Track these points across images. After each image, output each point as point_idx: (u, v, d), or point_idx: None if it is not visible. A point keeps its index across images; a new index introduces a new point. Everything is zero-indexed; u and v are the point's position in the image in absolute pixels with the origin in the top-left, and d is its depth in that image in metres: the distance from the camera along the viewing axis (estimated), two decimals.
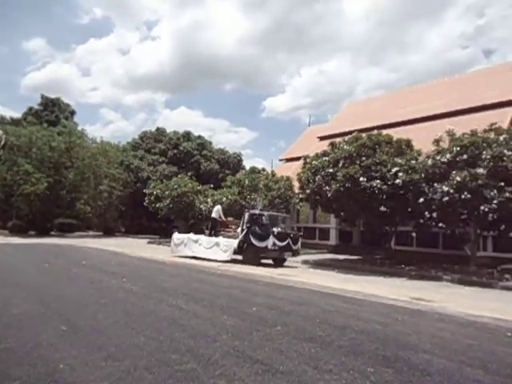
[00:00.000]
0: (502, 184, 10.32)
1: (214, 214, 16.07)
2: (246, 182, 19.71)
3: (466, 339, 4.70)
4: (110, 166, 31.57)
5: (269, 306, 6.15)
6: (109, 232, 34.11)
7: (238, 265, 12.91)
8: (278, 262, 13.97)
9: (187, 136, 40.03)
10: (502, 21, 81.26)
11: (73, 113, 43.82)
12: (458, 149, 11.42)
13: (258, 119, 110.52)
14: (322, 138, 24.96)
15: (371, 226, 15.38)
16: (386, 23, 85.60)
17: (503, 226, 11.11)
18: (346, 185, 12.75)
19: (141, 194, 28.41)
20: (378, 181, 12.44)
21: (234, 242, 13.83)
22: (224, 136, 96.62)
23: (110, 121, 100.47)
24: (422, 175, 11.96)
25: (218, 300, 6.45)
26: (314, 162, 14.53)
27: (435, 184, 11.46)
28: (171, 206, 23.86)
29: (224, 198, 19.69)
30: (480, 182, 10.39)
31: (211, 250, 14.15)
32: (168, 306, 5.90)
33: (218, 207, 16.48)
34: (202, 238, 15.03)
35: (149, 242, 25.14)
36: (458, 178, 10.64)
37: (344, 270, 12.68)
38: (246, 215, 14.00)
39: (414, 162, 12.52)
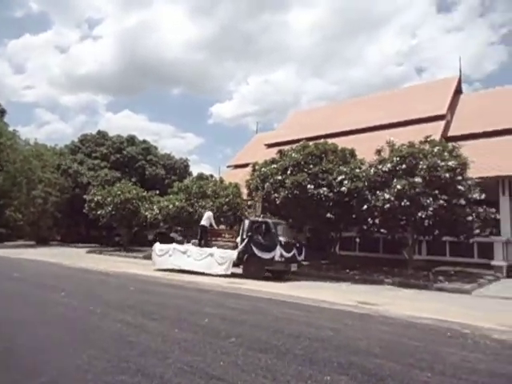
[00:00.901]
0: (437, 192, 11.11)
1: (203, 222, 14.18)
2: (194, 189, 19.36)
3: (412, 341, 4.92)
4: (45, 170, 29.43)
5: (221, 316, 6.01)
6: (42, 241, 31.67)
7: (186, 274, 12.58)
8: (280, 275, 12.54)
9: (131, 140, 38.56)
10: (431, 43, 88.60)
11: (3, 112, 40.32)
12: (398, 159, 12.12)
13: (205, 125, 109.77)
14: (269, 146, 25.31)
15: (317, 232, 15.79)
16: (328, 38, 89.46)
17: (437, 231, 11.97)
18: (295, 192, 13.01)
19: (80, 201, 26.75)
20: (325, 188, 12.84)
21: (233, 254, 12.45)
22: (170, 141, 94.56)
23: (46, 122, 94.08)
24: (366, 183, 12.52)
25: (167, 312, 6.18)
26: (262, 169, 14.67)
27: (377, 192, 12.04)
28: (113, 212, 22.75)
29: (171, 206, 19.16)
30: (417, 190, 11.09)
31: (204, 263, 12.65)
32: (113, 320, 5.53)
33: (209, 214, 14.58)
34: (191, 248, 13.47)
35: (88, 252, 23.74)
36: (399, 186, 11.28)
37: (292, 276, 12.85)
38: (247, 223, 12.74)
39: (357, 170, 13.07)
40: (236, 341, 4.61)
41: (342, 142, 15.92)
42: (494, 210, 12.46)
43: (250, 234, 12.33)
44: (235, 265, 12.40)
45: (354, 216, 12.88)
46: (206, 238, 13.98)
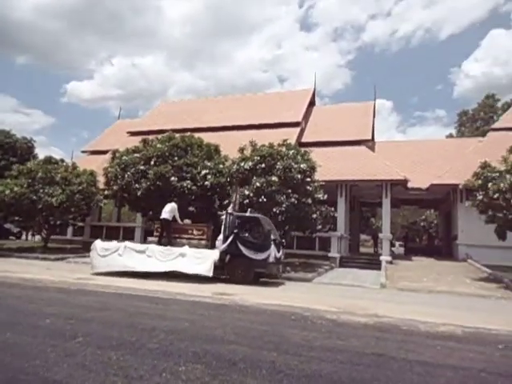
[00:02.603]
0: (290, 191, 12.27)
1: (165, 215, 11.66)
2: (40, 174, 16.92)
3: (262, 326, 5.32)
4: None
5: (66, 315, 5.40)
6: None
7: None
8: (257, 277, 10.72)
9: None
10: (293, 56, 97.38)
11: None
12: (258, 158, 12.96)
13: (58, 103, 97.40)
14: (132, 134, 24.02)
15: None
16: (200, 33, 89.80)
17: (287, 227, 13.23)
18: (157, 183, 12.64)
19: None
20: (189, 181, 12.84)
21: (212, 253, 10.55)
22: (10, 116, 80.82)
23: None
24: (228, 179, 13.00)
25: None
26: (124, 157, 13.81)
27: (238, 188, 12.62)
28: None
29: (7, 191, 16.33)
30: (274, 188, 12.06)
31: (173, 264, 10.51)
32: None
33: (173, 205, 11.95)
34: (152, 247, 11.03)
35: None
36: (258, 184, 12.06)
37: None
38: (231, 218, 10.88)
39: (221, 166, 13.47)
40: (83, 340, 4.21)
41: (207, 137, 16.17)
42: (333, 209, 14.46)
43: (235, 231, 10.58)
44: (216, 267, 10.38)
45: (214, 210, 13.23)
46: (169, 235, 11.66)
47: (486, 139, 20.67)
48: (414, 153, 22.76)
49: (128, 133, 24.74)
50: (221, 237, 10.88)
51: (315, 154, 14.15)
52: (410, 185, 18.21)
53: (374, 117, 22.85)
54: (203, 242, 11.45)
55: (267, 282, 10.59)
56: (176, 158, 13.50)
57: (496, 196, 11.51)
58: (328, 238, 16.77)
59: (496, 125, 21.82)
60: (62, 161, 19.20)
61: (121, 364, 3.52)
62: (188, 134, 15.13)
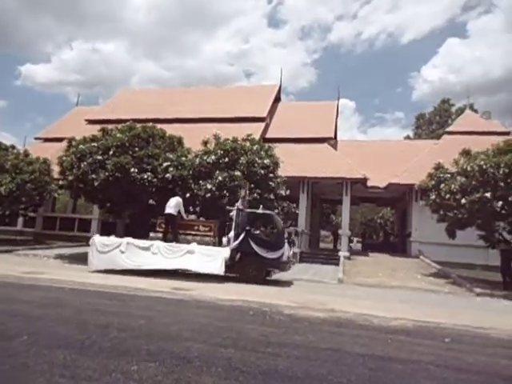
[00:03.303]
0: (253, 186, 12.24)
1: (170, 210, 10.88)
2: None
3: (220, 322, 5.27)
4: None
5: (11, 312, 5.08)
6: None
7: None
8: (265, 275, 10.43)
9: None
10: (261, 51, 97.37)
11: None
12: (222, 152, 12.80)
13: (10, 86, 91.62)
14: (90, 122, 23.02)
15: (138, 218, 15.22)
16: (166, 23, 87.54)
17: None
18: (116, 174, 12.18)
19: None
20: (149, 173, 12.48)
21: (223, 250, 10.06)
22: None
23: None
24: (190, 172, 12.76)
25: None
26: (80, 146, 13.15)
27: (201, 181, 12.44)
28: None
29: None
30: (237, 182, 11.97)
31: (181, 262, 9.98)
32: None
33: (178, 199, 11.24)
34: (156, 243, 10.34)
35: None
36: (220, 178, 11.93)
37: None
38: (241, 214, 10.39)
39: (184, 158, 13.18)
40: (29, 339, 3.96)
41: (170, 129, 15.76)
42: (294, 205, 14.61)
43: (247, 228, 10.14)
44: (226, 266, 9.95)
45: None
46: (175, 231, 10.92)
47: (440, 142, 21.74)
48: (374, 152, 23.50)
49: (86, 121, 23.70)
50: (231, 234, 10.41)
51: (279, 150, 14.19)
52: (369, 183, 18.79)
53: (337, 116, 23.33)
54: (210, 238, 10.84)
55: (226, 276, 10.42)
56: (137, 149, 13.04)
57: (447, 196, 12.10)
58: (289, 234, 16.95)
59: (450, 128, 22.99)
60: (13, 147, 18.06)
61: (67, 363, 3.34)
62: (150, 124, 14.67)
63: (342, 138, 26.36)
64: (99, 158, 12.74)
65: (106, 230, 19.96)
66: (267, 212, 10.75)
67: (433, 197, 12.99)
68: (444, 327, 5.92)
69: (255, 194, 12.14)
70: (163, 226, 11.15)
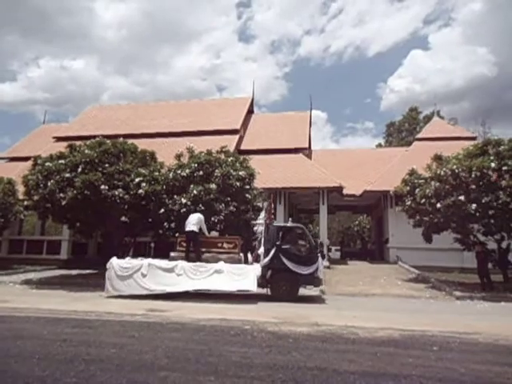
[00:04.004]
0: (229, 199, 11.96)
1: (192, 227, 10.16)
2: None
3: (199, 345, 4.91)
4: None
5: None
6: None
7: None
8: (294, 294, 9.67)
9: None
10: (232, 66, 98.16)
11: None
12: (196, 165, 12.48)
13: None
14: (58, 139, 22.22)
15: (110, 237, 14.60)
16: (137, 39, 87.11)
17: (227, 235, 12.88)
18: (85, 192, 11.62)
19: None
20: (121, 190, 11.99)
21: (254, 269, 9.47)
22: None
23: None
24: (164, 187, 12.36)
25: None
26: (47, 163, 12.53)
27: (175, 196, 12.06)
28: None
29: None
30: (212, 196, 11.67)
31: (208, 281, 9.35)
32: None
33: (199, 216, 10.55)
34: (181, 264, 9.65)
35: None
36: (195, 192, 11.59)
37: (76, 288, 11.25)
38: (270, 228, 9.95)
39: (156, 173, 12.78)
40: None
41: (142, 144, 15.35)
42: (272, 216, 14.38)
43: (277, 243, 9.63)
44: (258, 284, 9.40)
45: (150, 220, 12.50)
46: (197, 249, 10.19)
47: (411, 148, 22.19)
48: (348, 161, 23.72)
49: (54, 138, 22.87)
50: (261, 250, 9.88)
51: (254, 162, 14.01)
52: (344, 191, 18.86)
53: (310, 126, 23.49)
54: (235, 256, 10.14)
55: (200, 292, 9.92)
56: (107, 165, 12.53)
57: (423, 201, 12.20)
58: None
59: (420, 135, 23.54)
60: None
61: None
62: (121, 139, 14.20)
63: (315, 148, 26.57)
64: (67, 175, 12.15)
65: (77, 252, 19.19)
66: (297, 225, 10.28)
67: (408, 202, 13.09)
68: (431, 335, 5.78)
69: (231, 207, 11.86)
70: (183, 244, 10.46)
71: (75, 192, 11.68)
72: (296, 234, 10.15)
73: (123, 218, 12.16)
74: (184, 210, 11.56)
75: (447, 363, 4.32)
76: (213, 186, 11.82)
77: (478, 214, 10.99)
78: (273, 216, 10.55)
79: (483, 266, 11.68)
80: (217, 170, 12.34)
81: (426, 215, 12.36)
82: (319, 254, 9.78)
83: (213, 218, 11.62)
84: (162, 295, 9.22)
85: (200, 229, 10.38)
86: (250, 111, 24.94)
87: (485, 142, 12.58)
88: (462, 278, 13.73)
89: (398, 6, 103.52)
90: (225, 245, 10.45)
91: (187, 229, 10.26)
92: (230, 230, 11.96)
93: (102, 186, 11.80)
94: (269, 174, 17.63)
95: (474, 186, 11.15)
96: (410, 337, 5.67)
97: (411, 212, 13.16)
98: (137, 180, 12.37)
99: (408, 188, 13.28)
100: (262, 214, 10.34)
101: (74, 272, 14.99)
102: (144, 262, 9.85)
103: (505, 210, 10.64)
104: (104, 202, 11.89)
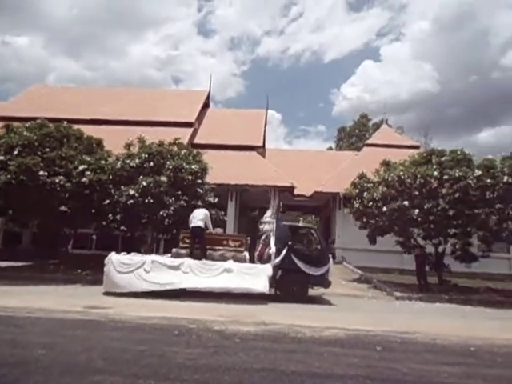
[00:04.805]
0: (179, 193, 11.58)
1: (197, 222, 9.58)
2: None
3: (139, 346, 4.59)
4: None
5: None
6: None
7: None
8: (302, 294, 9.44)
9: None
10: (190, 58, 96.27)
11: None
12: (147, 156, 11.96)
13: None
14: None
15: (47, 228, 13.61)
16: (90, 20, 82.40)
17: (175, 230, 12.48)
18: (21, 177, 10.67)
19: None
20: (62, 177, 11.15)
21: (265, 269, 8.99)
22: None
23: None
24: (111, 176, 11.71)
25: None
26: None
27: (122, 187, 11.46)
28: None
29: None
30: (162, 188, 11.23)
31: (217, 280, 8.74)
32: None
33: (205, 212, 10.01)
34: (187, 261, 8.95)
35: None
36: (144, 183, 11.09)
37: (6, 281, 10.28)
38: (283, 228, 9.57)
39: (103, 162, 12.07)
40: None
41: (89, 131, 14.42)
42: (223, 212, 14.18)
43: (289, 243, 9.32)
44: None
45: (93, 211, 11.77)
46: (203, 246, 9.58)
47: (360, 153, 23.01)
48: (300, 162, 24.08)
49: None
50: (272, 249, 9.43)
51: (207, 157, 13.71)
52: (295, 192, 19.09)
53: (265, 125, 23.55)
54: (242, 254, 9.78)
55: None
56: (48, 150, 11.59)
57: (370, 204, 12.64)
58: None
59: (369, 141, 24.48)
60: None
61: None
62: (65, 123, 13.23)
63: (269, 147, 26.68)
64: (1, 158, 11.10)
65: (9, 242, 17.69)
66: (308, 225, 10.13)
67: (356, 205, 13.50)
68: (373, 334, 5.91)
69: (182, 202, 11.49)
70: (186, 240, 9.92)
71: (9, 176, 10.69)
72: (307, 234, 10.15)
73: (63, 208, 11.32)
74: (131, 201, 11.05)
75: (390, 363, 4.40)
76: (163, 178, 11.39)
77: (419, 219, 11.57)
78: (278, 214, 10.66)
79: (421, 268, 12.33)
80: (168, 162, 11.91)
81: (372, 218, 12.81)
82: (330, 255, 9.80)
83: (161, 212, 11.19)
84: (155, 293, 8.65)
85: (205, 225, 9.91)
86: (206, 105, 24.52)
87: (429, 151, 13.30)
88: (401, 279, 14.41)
89: (354, 16, 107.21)
90: (230, 242, 10.16)
91: (193, 224, 9.73)
92: (179, 225, 11.60)
93: (41, 172, 10.91)
94: (222, 169, 17.35)
95: (417, 193, 11.73)
96: (354, 336, 5.75)
97: (358, 214, 13.59)
98: (81, 168, 11.58)
99: (357, 191, 13.69)
100: (269, 213, 10.32)
101: (5, 264, 13.73)
102: (147, 258, 9.27)
103: (443, 216, 11.29)
104: (42, 190, 10.99)
